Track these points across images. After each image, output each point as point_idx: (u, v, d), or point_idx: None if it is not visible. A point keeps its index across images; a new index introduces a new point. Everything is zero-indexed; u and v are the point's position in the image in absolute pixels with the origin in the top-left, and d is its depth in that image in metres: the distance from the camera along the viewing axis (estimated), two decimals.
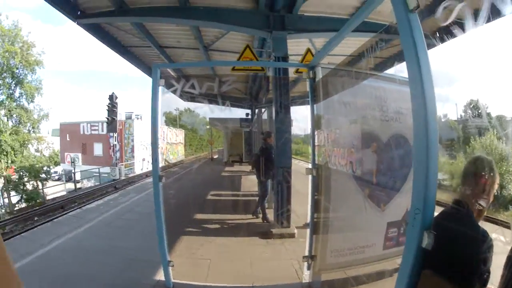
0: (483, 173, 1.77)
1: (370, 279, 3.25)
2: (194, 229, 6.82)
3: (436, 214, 1.77)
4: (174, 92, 4.41)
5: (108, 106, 24.97)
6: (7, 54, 22.66)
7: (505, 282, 1.58)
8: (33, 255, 5.17)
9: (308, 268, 4.06)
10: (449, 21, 1.75)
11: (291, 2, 6.64)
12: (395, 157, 2.77)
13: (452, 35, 1.97)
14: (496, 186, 1.80)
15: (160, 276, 4.22)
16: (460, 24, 1.78)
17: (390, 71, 3.07)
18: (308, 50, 7.40)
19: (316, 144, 4.14)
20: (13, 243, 6.22)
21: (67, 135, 36.73)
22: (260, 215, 7.39)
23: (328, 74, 3.98)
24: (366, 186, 3.17)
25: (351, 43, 7.50)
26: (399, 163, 2.71)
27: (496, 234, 1.92)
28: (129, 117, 35.74)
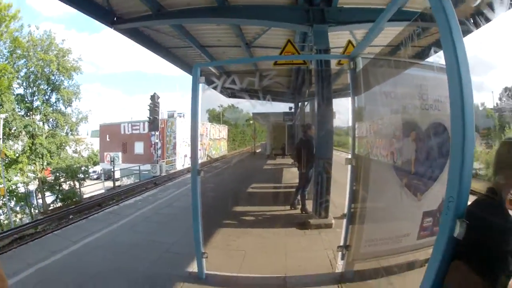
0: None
1: (402, 269, 3.18)
2: (232, 221, 6.91)
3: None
4: (215, 88, 4.49)
5: (149, 106, 26.08)
6: (41, 62, 23.40)
7: None
8: (63, 252, 5.18)
9: (342, 258, 4.05)
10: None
11: None
12: (433, 145, 2.69)
13: (486, 19, 1.91)
14: None
15: (194, 267, 4.29)
16: (490, 5, 1.72)
17: (430, 59, 2.98)
18: (349, 42, 7.29)
19: (357, 135, 4.11)
20: (44, 241, 6.36)
21: (107, 135, 38.29)
22: (299, 207, 7.42)
23: (369, 64, 3.92)
24: (404, 176, 3.11)
25: (391, 33, 7.25)
26: (438, 152, 2.63)
27: None
28: (171, 116, 36.78)
